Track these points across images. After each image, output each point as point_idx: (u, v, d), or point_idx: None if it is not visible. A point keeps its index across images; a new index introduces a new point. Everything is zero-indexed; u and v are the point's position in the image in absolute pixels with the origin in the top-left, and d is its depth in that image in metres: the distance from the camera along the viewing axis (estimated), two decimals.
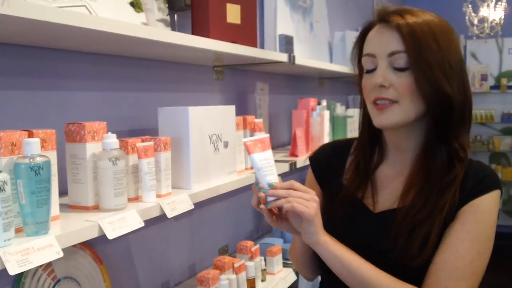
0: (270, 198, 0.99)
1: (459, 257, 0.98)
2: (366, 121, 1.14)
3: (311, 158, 1.26)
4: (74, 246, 1.30)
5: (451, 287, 0.97)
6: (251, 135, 1.75)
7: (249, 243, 1.91)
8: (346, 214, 1.00)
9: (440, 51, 1.00)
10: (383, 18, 1.04)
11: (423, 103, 1.02)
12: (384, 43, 1.02)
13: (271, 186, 1.00)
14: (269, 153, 1.05)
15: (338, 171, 1.19)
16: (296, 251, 1.18)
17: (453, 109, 1.02)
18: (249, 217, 2.35)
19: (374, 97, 1.04)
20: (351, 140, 1.23)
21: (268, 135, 1.09)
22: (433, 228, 1.00)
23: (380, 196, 1.10)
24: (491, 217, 1.01)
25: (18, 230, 0.94)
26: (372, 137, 1.15)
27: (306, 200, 0.97)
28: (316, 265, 1.18)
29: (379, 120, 1.04)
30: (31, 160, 0.91)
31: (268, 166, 1.03)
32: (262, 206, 1.01)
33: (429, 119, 1.05)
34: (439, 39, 1.01)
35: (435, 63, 0.99)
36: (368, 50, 1.06)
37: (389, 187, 1.11)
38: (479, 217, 1.00)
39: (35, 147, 0.92)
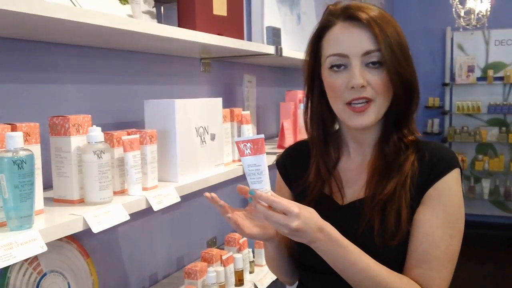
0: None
1: (435, 245, 1.00)
2: (319, 120, 1.14)
3: (277, 163, 1.27)
4: (60, 239, 1.29)
5: (435, 276, 1.00)
6: (239, 128, 1.74)
7: (237, 235, 1.91)
8: (317, 212, 1.00)
9: (401, 42, 1.03)
10: (349, 15, 1.03)
11: (392, 97, 1.04)
12: (357, 42, 1.01)
13: (252, 195, 0.94)
14: (259, 158, 0.93)
15: (304, 171, 1.18)
16: (269, 257, 1.18)
17: (413, 97, 1.06)
18: None
19: (351, 97, 1.02)
20: None
21: (262, 136, 0.95)
22: (401, 202, 1.02)
23: (347, 190, 1.12)
24: (456, 197, 1.03)
25: (1, 225, 0.94)
26: (325, 134, 1.15)
27: (281, 225, 0.92)
28: (293, 268, 1.19)
29: (359, 121, 1.03)
30: (14, 154, 0.90)
31: (256, 174, 0.93)
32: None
33: (387, 112, 1.07)
34: (398, 30, 1.04)
35: (402, 56, 1.02)
36: (338, 50, 1.03)
37: (354, 179, 1.12)
38: (445, 200, 1.02)
39: (18, 141, 0.91)
